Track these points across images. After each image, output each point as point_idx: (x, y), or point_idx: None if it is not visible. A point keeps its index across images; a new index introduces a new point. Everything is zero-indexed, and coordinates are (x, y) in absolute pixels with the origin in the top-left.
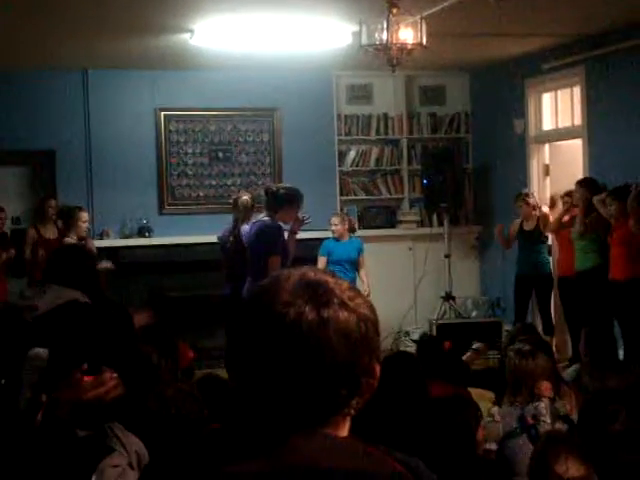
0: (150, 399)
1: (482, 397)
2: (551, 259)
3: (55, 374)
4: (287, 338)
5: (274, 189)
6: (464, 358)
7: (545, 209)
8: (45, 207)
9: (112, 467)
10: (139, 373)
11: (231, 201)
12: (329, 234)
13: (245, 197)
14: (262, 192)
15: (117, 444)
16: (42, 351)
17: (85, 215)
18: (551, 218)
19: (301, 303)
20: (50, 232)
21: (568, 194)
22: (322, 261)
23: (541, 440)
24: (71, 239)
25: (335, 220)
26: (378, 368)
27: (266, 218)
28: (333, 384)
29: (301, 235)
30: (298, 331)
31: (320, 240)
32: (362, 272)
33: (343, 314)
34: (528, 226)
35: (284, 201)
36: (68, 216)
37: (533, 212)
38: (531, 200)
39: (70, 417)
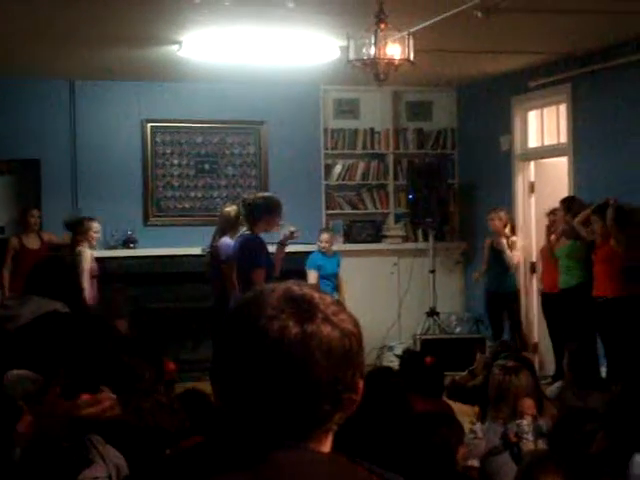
0: (128, 411)
1: (466, 413)
2: (535, 275)
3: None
4: (270, 352)
5: (250, 200)
6: (458, 379)
7: (514, 238)
8: (27, 217)
9: (91, 479)
10: (121, 384)
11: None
12: (314, 247)
13: (227, 209)
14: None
15: (96, 456)
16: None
17: (97, 225)
18: (518, 246)
19: (285, 317)
20: (33, 242)
21: (552, 212)
22: (314, 275)
23: (526, 459)
24: (83, 248)
25: (326, 237)
26: (361, 383)
27: (247, 232)
28: (316, 399)
29: (287, 248)
30: (281, 345)
31: (305, 254)
32: (342, 285)
33: (327, 329)
34: (496, 244)
35: (262, 211)
36: (77, 226)
37: (501, 230)
38: (500, 216)
39: (63, 432)
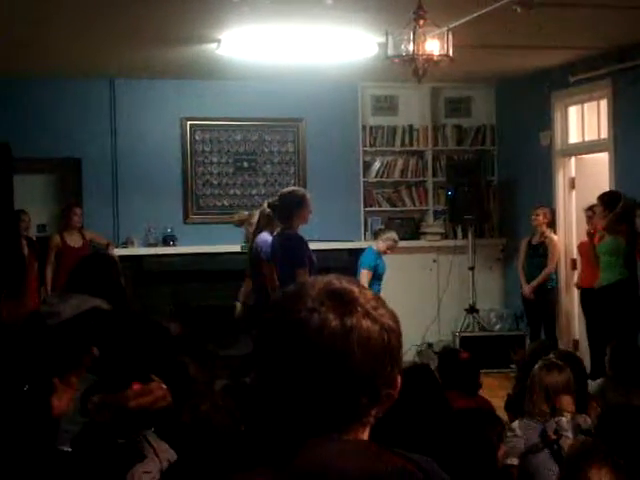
0: (185, 412)
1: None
2: (576, 272)
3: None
4: (309, 345)
5: (276, 202)
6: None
7: (555, 237)
8: (70, 215)
9: (144, 473)
10: (174, 383)
11: None
12: (351, 245)
13: (265, 205)
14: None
15: (149, 451)
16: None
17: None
18: (559, 245)
19: (325, 310)
20: (75, 240)
21: (590, 208)
22: (366, 274)
23: (572, 450)
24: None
25: (395, 236)
26: (399, 379)
27: (286, 230)
28: (353, 392)
29: (325, 245)
30: (320, 338)
31: (340, 251)
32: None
33: (366, 323)
34: (535, 240)
35: (291, 206)
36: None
37: (543, 227)
38: (545, 213)
39: (112, 423)
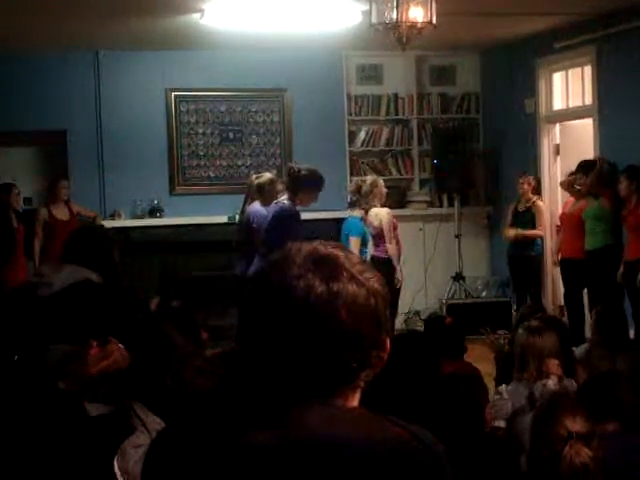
0: (168, 378)
1: (490, 374)
2: (553, 241)
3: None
4: (296, 310)
5: (295, 170)
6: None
7: (541, 203)
8: (57, 188)
9: (134, 448)
10: (158, 352)
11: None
12: (338, 214)
13: (252, 177)
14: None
15: (139, 424)
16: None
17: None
18: (545, 209)
19: (311, 276)
20: (62, 213)
21: (572, 174)
22: (357, 242)
23: (546, 398)
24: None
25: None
26: (388, 341)
27: (285, 201)
28: (342, 356)
29: (311, 215)
30: (307, 304)
31: (329, 220)
32: None
33: (352, 287)
34: (521, 207)
35: (303, 183)
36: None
37: (529, 194)
38: (529, 181)
39: (79, 390)
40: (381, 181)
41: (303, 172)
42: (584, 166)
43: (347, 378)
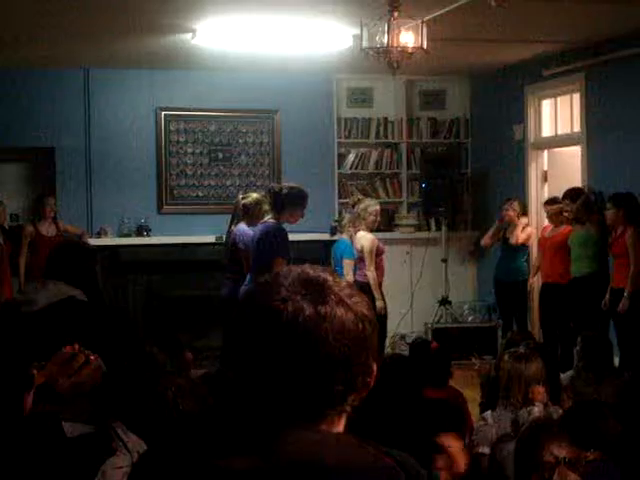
0: (151, 399)
1: (475, 399)
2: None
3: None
4: (284, 333)
5: (277, 189)
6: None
7: (529, 230)
8: (43, 205)
9: (115, 469)
10: (141, 372)
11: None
12: (327, 237)
13: (239, 197)
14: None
15: (119, 445)
16: None
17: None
18: (532, 235)
19: (299, 299)
20: (48, 229)
21: (550, 202)
22: (351, 264)
23: (530, 425)
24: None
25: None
26: (375, 366)
27: (271, 220)
28: (329, 380)
29: (299, 237)
30: (295, 326)
31: (317, 243)
32: None
33: (340, 311)
34: (509, 233)
35: (288, 201)
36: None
37: (514, 220)
38: (514, 207)
39: (57, 410)
40: (373, 209)
41: (285, 190)
42: (571, 194)
43: (333, 402)
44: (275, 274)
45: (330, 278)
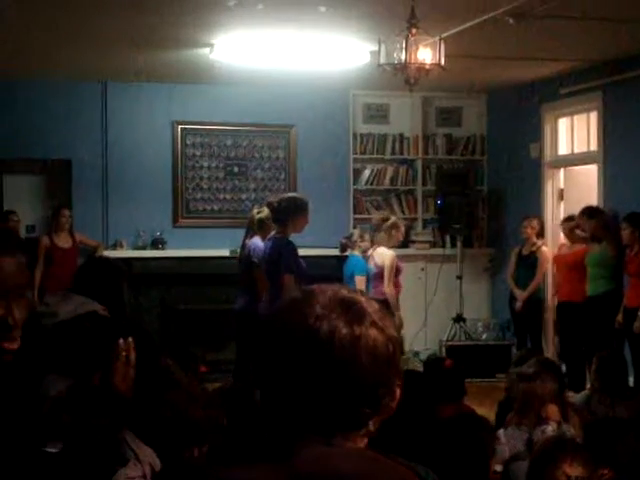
0: (163, 408)
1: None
2: (550, 284)
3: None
4: (319, 351)
5: (275, 203)
6: None
7: (545, 249)
8: (59, 216)
9: (127, 479)
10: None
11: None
12: (337, 252)
13: (253, 212)
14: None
15: (131, 455)
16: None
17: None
18: (548, 257)
19: (335, 318)
20: (64, 241)
21: (567, 219)
22: (363, 281)
23: (542, 445)
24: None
25: (367, 237)
26: (399, 391)
27: (277, 235)
28: (357, 401)
29: (314, 252)
30: (331, 345)
31: (334, 258)
32: None
33: (374, 333)
34: (525, 250)
35: (288, 212)
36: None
37: (533, 238)
38: (533, 225)
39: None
40: (403, 228)
41: (284, 203)
42: (587, 212)
43: (358, 423)
44: (310, 291)
45: (363, 299)
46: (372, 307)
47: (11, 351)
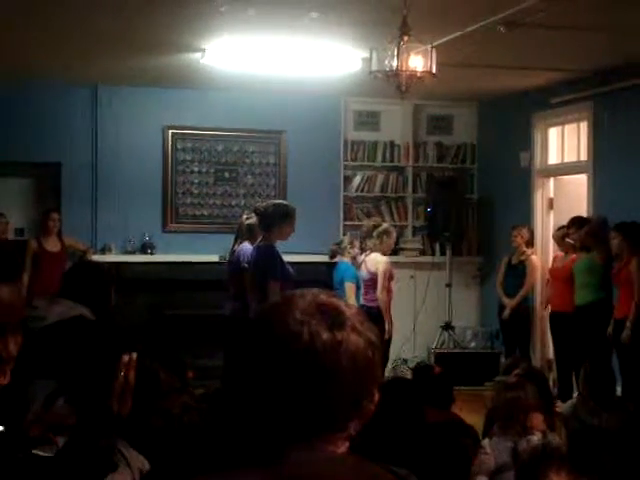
0: (155, 416)
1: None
2: (539, 293)
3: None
4: (300, 356)
5: (262, 209)
6: None
7: (534, 257)
8: (47, 220)
9: None
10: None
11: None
12: (327, 258)
13: (242, 217)
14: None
15: (121, 460)
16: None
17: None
18: (538, 266)
19: (315, 323)
20: (52, 245)
21: (560, 228)
22: (352, 287)
23: (530, 453)
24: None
25: (357, 243)
26: (377, 394)
27: (263, 241)
28: (338, 405)
29: (304, 258)
30: (312, 350)
31: (324, 265)
32: None
33: (354, 337)
34: (515, 259)
35: (274, 219)
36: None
37: (522, 247)
38: (522, 234)
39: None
40: (395, 234)
41: (270, 209)
42: (577, 221)
43: (339, 426)
44: (289, 296)
45: (342, 304)
46: (351, 311)
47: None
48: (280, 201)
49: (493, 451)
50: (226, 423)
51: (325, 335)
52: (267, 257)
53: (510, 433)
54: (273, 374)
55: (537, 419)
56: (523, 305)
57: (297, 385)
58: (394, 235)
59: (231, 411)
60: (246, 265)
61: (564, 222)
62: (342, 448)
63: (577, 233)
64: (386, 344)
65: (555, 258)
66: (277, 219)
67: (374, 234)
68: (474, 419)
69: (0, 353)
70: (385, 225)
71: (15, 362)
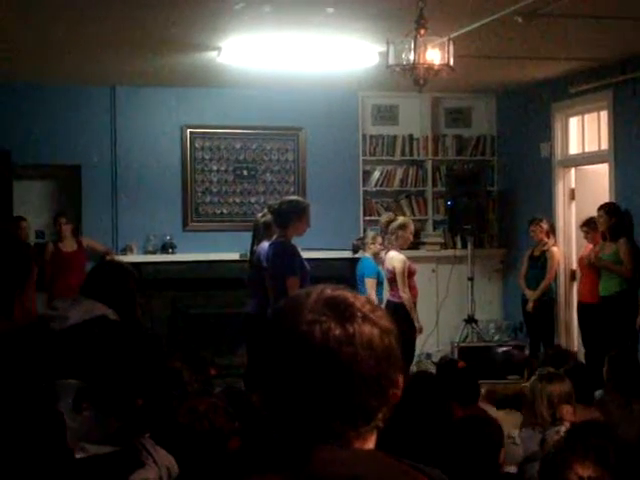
0: (181, 414)
1: (505, 420)
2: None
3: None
4: (316, 356)
5: (275, 206)
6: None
7: (555, 249)
8: (56, 225)
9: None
10: (169, 389)
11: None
12: (348, 254)
13: (258, 215)
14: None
15: (148, 458)
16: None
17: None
18: (558, 257)
19: (325, 320)
20: (68, 246)
21: (585, 224)
22: (372, 283)
23: (553, 444)
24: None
25: (379, 239)
26: (401, 378)
27: (279, 239)
28: (363, 396)
29: (324, 254)
30: (326, 348)
31: (345, 260)
32: None
33: (367, 327)
34: (537, 251)
35: (288, 216)
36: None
37: (543, 240)
38: (541, 226)
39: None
40: (412, 227)
41: (284, 205)
42: (608, 207)
43: (368, 416)
44: (295, 297)
45: (349, 295)
46: (360, 301)
47: None
48: (294, 197)
49: (522, 442)
50: (254, 424)
51: (337, 330)
52: (284, 254)
53: (539, 424)
54: (293, 377)
55: (567, 410)
56: (546, 297)
57: (318, 384)
58: (411, 227)
59: (258, 412)
60: (266, 264)
61: (586, 213)
62: (370, 443)
63: (604, 219)
64: (413, 341)
65: (585, 248)
66: (292, 215)
67: (389, 230)
68: (497, 412)
69: None
70: (400, 219)
71: (38, 362)
